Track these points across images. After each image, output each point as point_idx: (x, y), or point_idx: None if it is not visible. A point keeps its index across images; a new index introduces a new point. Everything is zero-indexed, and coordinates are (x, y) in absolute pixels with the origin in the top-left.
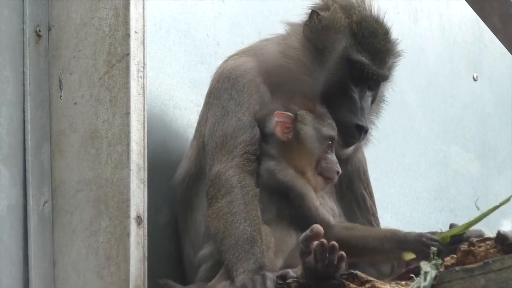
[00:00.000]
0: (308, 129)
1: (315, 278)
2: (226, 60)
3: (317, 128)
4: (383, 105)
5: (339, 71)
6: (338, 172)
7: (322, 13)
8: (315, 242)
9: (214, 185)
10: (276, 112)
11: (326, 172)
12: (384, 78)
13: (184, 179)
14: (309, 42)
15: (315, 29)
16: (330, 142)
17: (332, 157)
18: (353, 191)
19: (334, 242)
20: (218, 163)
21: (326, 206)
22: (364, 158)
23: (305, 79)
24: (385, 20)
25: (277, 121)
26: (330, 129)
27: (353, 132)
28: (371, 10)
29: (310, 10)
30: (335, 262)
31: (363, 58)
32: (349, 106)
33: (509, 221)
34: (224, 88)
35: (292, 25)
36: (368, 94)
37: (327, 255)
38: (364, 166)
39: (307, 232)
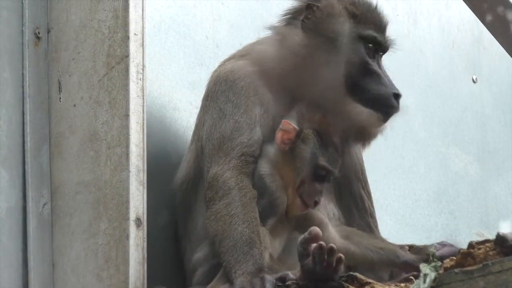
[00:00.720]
0: (305, 150)
1: (314, 280)
2: (223, 63)
3: (314, 153)
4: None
5: (354, 51)
6: (316, 202)
7: (317, 5)
8: (314, 245)
9: (212, 188)
10: (284, 120)
11: (305, 196)
12: (391, 44)
13: (183, 183)
14: (312, 37)
15: (317, 20)
16: (323, 173)
17: (319, 186)
18: (352, 192)
19: (333, 245)
20: (215, 165)
21: (324, 210)
22: (362, 157)
23: (322, 74)
24: None
25: (281, 129)
26: (327, 162)
27: (393, 102)
28: None
29: (305, 5)
30: (334, 264)
31: (371, 31)
32: (377, 80)
33: (508, 223)
34: (221, 90)
35: (277, 28)
36: (382, 65)
37: (326, 257)
38: (362, 166)
39: (306, 234)
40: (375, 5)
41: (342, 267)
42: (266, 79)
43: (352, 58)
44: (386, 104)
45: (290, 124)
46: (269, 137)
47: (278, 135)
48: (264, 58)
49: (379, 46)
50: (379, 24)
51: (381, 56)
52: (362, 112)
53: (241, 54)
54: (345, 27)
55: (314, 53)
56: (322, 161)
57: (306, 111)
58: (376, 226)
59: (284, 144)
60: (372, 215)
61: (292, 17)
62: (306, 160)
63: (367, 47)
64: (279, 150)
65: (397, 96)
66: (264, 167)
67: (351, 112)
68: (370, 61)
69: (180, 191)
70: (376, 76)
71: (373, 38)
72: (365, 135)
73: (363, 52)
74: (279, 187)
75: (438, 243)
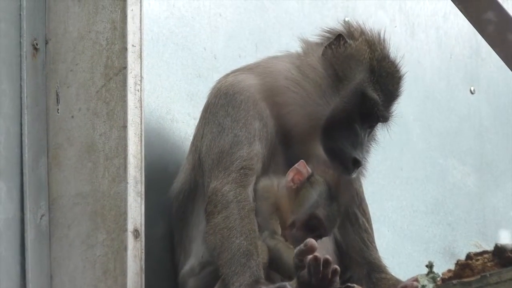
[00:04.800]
0: (309, 193)
1: None
2: (227, 75)
3: (317, 201)
4: (373, 144)
5: (351, 101)
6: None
7: (348, 41)
8: (309, 256)
9: (211, 202)
10: (301, 160)
11: (290, 238)
12: (386, 120)
13: (180, 193)
14: (329, 65)
15: (338, 54)
16: (315, 224)
17: (306, 235)
18: (346, 210)
19: (328, 256)
20: (215, 179)
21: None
22: (358, 177)
23: (315, 100)
24: (400, 65)
25: (296, 167)
26: (324, 216)
27: (349, 165)
28: (390, 51)
29: (337, 34)
30: (329, 276)
31: (376, 97)
32: (351, 138)
33: (506, 234)
34: (220, 104)
35: (308, 43)
36: (367, 130)
37: (321, 269)
38: (357, 187)
39: (301, 246)
40: (399, 75)
41: (337, 279)
42: (267, 93)
43: (344, 106)
44: (342, 163)
45: (305, 166)
46: (268, 152)
47: (290, 173)
48: (273, 72)
49: (374, 115)
50: (389, 96)
51: (372, 122)
52: (319, 155)
53: (250, 67)
54: (358, 76)
55: (321, 79)
56: (320, 213)
57: (322, 164)
58: (372, 241)
59: (292, 182)
60: (367, 231)
61: (323, 38)
62: (306, 204)
63: (364, 107)
64: (286, 187)
65: (356, 162)
66: (266, 192)
67: (312, 149)
68: (357, 118)
69: (176, 201)
70: (353, 135)
71: (373, 104)
72: None
73: (357, 108)
74: (271, 215)
75: None
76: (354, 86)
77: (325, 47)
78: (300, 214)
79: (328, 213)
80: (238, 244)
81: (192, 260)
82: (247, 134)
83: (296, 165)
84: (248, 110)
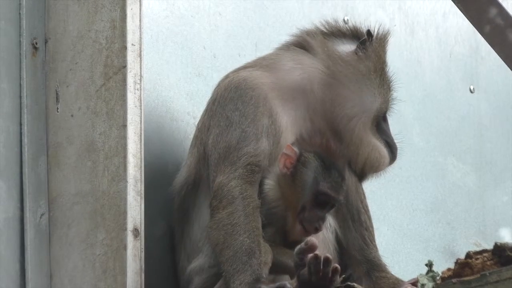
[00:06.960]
0: (306, 174)
1: None
2: (238, 70)
3: (316, 178)
4: None
5: (389, 97)
6: (317, 229)
7: (373, 35)
8: (310, 255)
9: (216, 196)
10: (287, 144)
11: (305, 222)
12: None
13: (182, 188)
14: (363, 60)
15: (372, 48)
16: (324, 199)
17: (320, 212)
18: (349, 205)
19: (328, 255)
20: (221, 174)
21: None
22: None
23: (357, 97)
24: None
25: (284, 153)
26: (330, 188)
27: (396, 155)
28: None
29: (366, 30)
30: (329, 275)
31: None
32: (389, 131)
33: (505, 232)
34: (230, 97)
35: (318, 39)
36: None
37: (321, 267)
38: (358, 183)
39: (302, 245)
40: None
41: (337, 278)
42: (283, 91)
43: (388, 98)
44: (394, 153)
45: (292, 148)
46: (275, 149)
47: (281, 160)
48: (291, 69)
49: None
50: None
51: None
52: (379, 148)
53: (267, 64)
54: (387, 73)
55: (363, 75)
56: (324, 187)
57: (307, 135)
58: (372, 240)
59: (286, 168)
60: (368, 229)
61: (340, 34)
62: (307, 185)
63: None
64: (282, 174)
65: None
66: (271, 192)
67: (369, 145)
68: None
69: (178, 196)
70: (388, 127)
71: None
72: (368, 170)
73: (389, 103)
74: (283, 212)
75: None
76: (388, 82)
77: (360, 44)
78: (306, 196)
79: (331, 184)
80: (241, 242)
81: (201, 258)
82: (254, 130)
83: (284, 150)
84: (258, 106)
